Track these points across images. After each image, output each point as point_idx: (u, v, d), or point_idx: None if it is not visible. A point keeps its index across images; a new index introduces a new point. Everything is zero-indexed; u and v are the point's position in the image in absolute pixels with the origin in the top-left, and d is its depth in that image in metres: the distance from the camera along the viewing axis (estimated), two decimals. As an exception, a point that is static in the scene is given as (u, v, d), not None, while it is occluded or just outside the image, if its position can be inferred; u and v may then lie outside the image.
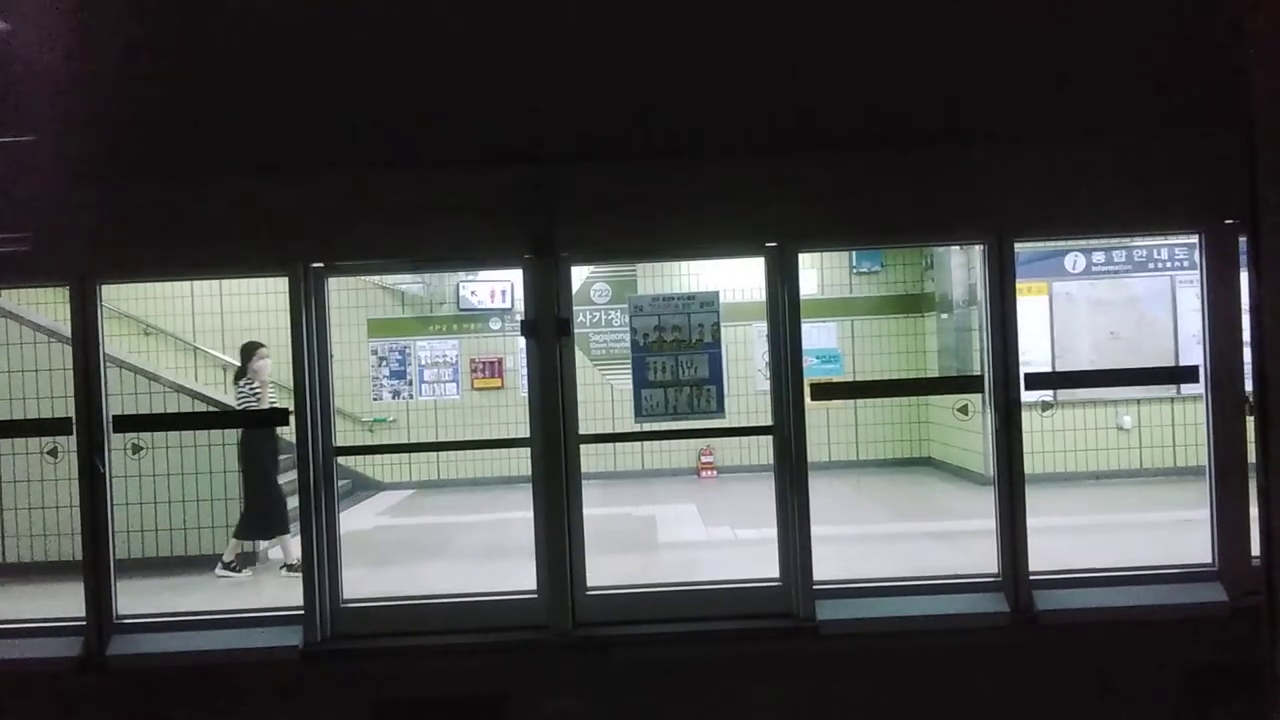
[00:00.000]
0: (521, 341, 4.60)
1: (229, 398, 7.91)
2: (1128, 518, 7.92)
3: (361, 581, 6.55)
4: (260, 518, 7.10)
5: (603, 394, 11.35)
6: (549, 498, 4.34)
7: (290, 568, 6.93)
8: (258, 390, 7.21)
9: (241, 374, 7.35)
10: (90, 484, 4.34)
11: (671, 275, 11.52)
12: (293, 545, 6.95)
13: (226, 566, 7.01)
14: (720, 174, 4.30)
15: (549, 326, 4.34)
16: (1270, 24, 1.67)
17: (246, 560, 7.20)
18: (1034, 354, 9.22)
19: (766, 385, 4.59)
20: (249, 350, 7.33)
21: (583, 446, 4.44)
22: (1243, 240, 4.31)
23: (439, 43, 3.50)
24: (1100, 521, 7.83)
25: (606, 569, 4.85)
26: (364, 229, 4.33)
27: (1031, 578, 4.31)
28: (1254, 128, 1.71)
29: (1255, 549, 4.19)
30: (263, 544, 7.38)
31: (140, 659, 4.25)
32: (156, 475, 7.22)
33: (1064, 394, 9.57)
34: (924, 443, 11.47)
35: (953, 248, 9.95)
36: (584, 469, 4.44)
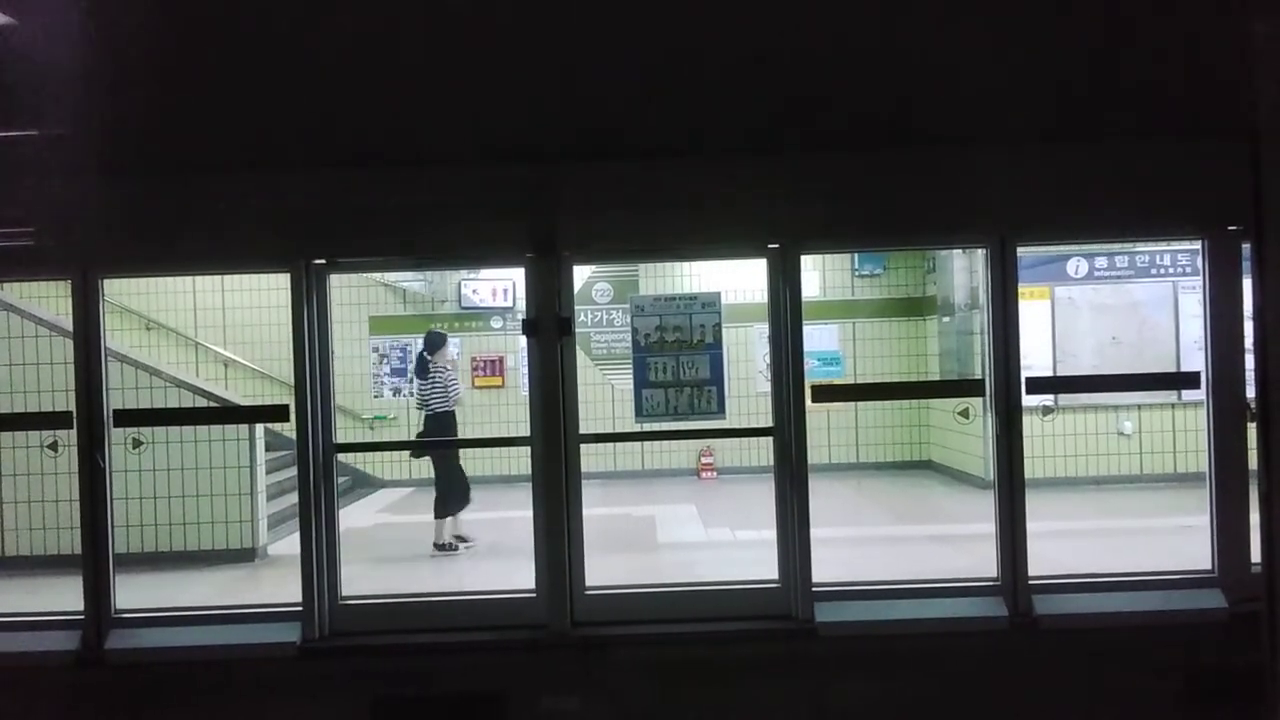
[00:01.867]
0: (522, 340, 4.60)
1: (230, 393, 7.92)
2: (1128, 523, 7.92)
3: (360, 578, 6.56)
4: (458, 493, 7.62)
5: (603, 394, 11.35)
6: (549, 497, 4.34)
7: (460, 538, 7.61)
8: (455, 377, 7.76)
9: (424, 363, 7.77)
10: (90, 478, 4.34)
11: (673, 276, 11.52)
12: (462, 518, 7.71)
13: (442, 548, 7.49)
14: (723, 174, 4.30)
15: (550, 325, 4.34)
16: (1274, 29, 1.67)
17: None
18: (1035, 358, 9.22)
19: (767, 387, 4.59)
20: (441, 339, 7.84)
21: (583, 446, 4.44)
22: (1245, 246, 4.31)
23: (442, 41, 3.50)
24: (1100, 527, 7.82)
25: (605, 569, 4.85)
26: (366, 226, 4.33)
27: (1031, 582, 4.30)
28: (1257, 133, 1.71)
29: (1255, 555, 4.19)
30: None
31: (138, 653, 4.25)
32: (156, 470, 7.23)
33: (1065, 399, 9.55)
34: (924, 446, 11.47)
35: (955, 251, 9.95)
36: (584, 468, 4.44)
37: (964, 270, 10.23)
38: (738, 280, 10.96)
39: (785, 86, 3.84)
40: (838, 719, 4.22)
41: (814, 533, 4.35)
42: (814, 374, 10.54)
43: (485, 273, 11.43)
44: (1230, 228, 4.30)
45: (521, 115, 4.06)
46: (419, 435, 8.23)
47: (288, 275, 4.38)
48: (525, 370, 5.04)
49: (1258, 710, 1.88)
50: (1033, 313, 9.44)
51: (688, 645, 4.23)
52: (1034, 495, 4.38)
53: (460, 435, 8.00)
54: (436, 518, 7.63)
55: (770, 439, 4.44)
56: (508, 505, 8.72)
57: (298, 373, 4.36)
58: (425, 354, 7.86)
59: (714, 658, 4.24)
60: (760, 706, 4.20)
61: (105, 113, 3.74)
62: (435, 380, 7.71)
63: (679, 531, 8.31)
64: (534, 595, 4.35)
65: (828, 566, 4.51)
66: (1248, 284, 4.16)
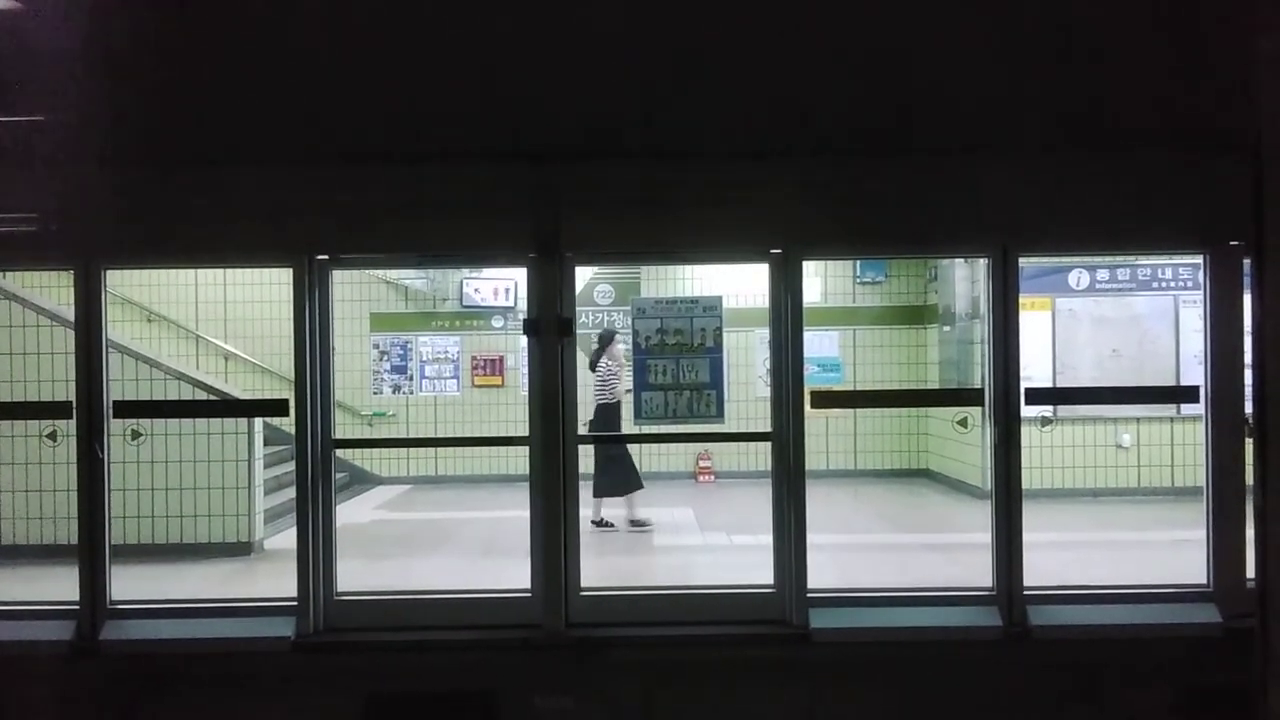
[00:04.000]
0: (523, 340, 4.61)
1: (230, 387, 7.92)
2: (1124, 536, 7.91)
3: (356, 574, 6.56)
4: (622, 479, 8.13)
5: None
6: (546, 497, 4.35)
7: (636, 523, 8.17)
8: (616, 372, 8.27)
9: (597, 358, 8.38)
10: (88, 469, 4.35)
11: (675, 279, 11.53)
12: (638, 502, 8.29)
13: (636, 524, 8.17)
14: (726, 178, 4.31)
15: (551, 326, 4.34)
16: (1278, 44, 1.67)
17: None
18: (1035, 369, 9.22)
19: (767, 392, 4.59)
20: (609, 336, 8.49)
21: (581, 447, 4.44)
22: (1247, 262, 4.32)
23: (447, 39, 3.51)
24: (1096, 539, 7.82)
25: (601, 570, 4.85)
26: (370, 223, 4.33)
27: (1026, 593, 4.30)
28: (1260, 148, 1.71)
29: (1250, 571, 4.19)
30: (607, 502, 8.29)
31: (132, 645, 4.25)
32: (155, 462, 7.23)
33: (1064, 410, 9.55)
34: (922, 454, 11.46)
35: (957, 260, 9.95)
36: (582, 469, 4.43)
37: (965, 279, 10.23)
38: (739, 285, 10.96)
39: (789, 91, 3.85)
40: (830, 725, 4.22)
41: (810, 538, 4.35)
42: (813, 380, 10.54)
43: (487, 271, 11.43)
44: (1232, 243, 4.31)
45: (526, 115, 4.07)
46: (589, 424, 8.54)
47: (290, 270, 4.39)
48: (525, 370, 5.04)
49: (1249, 724, 1.88)
50: (1033, 323, 9.44)
51: (681, 648, 4.23)
52: (1031, 506, 4.38)
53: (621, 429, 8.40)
54: (595, 496, 8.17)
55: (769, 444, 4.44)
56: (497, 505, 8.74)
57: (298, 368, 4.36)
58: (598, 349, 8.43)
59: (707, 661, 4.24)
60: (752, 711, 4.20)
61: (111, 103, 3.75)
62: (602, 375, 8.34)
63: (675, 534, 8.31)
64: (529, 595, 4.35)
65: (823, 572, 4.51)
66: (1249, 300, 4.17)
